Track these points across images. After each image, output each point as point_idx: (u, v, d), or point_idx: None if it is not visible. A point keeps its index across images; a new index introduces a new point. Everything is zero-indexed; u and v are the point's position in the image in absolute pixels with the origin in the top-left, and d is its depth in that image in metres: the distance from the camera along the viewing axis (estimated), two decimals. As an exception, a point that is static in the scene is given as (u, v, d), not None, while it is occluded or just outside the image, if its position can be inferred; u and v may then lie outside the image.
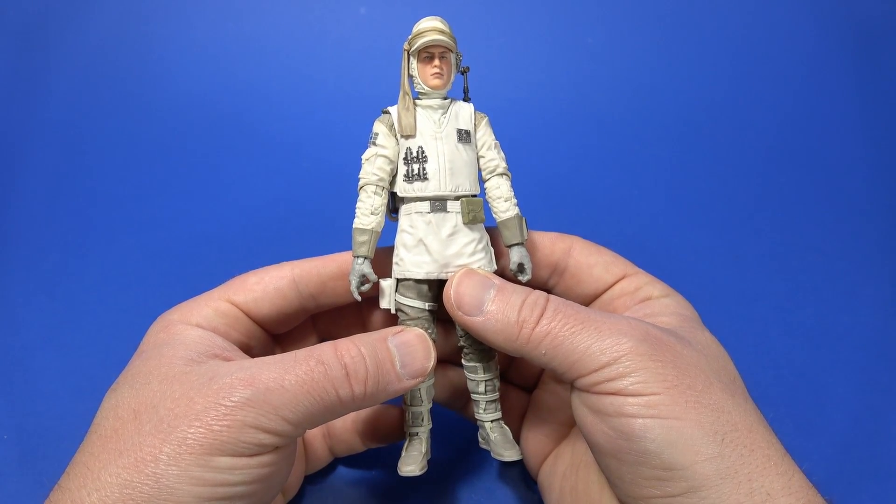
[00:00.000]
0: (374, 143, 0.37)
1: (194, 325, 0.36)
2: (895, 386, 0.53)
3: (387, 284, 0.38)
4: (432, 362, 0.35)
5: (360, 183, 0.37)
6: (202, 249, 0.63)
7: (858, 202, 0.68)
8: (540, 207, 0.68)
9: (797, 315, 0.58)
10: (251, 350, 0.39)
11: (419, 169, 0.36)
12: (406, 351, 0.34)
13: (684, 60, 0.78)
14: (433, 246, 0.36)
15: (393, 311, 0.38)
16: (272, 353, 0.41)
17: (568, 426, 0.42)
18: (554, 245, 0.40)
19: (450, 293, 0.35)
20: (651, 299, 0.38)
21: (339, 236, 0.58)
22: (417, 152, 0.36)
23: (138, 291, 0.59)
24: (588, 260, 0.40)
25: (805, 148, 0.73)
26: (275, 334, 0.42)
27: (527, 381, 0.45)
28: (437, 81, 0.37)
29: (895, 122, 0.74)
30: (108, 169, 0.70)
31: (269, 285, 0.39)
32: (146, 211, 0.67)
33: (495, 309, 0.33)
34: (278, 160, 0.72)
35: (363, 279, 0.37)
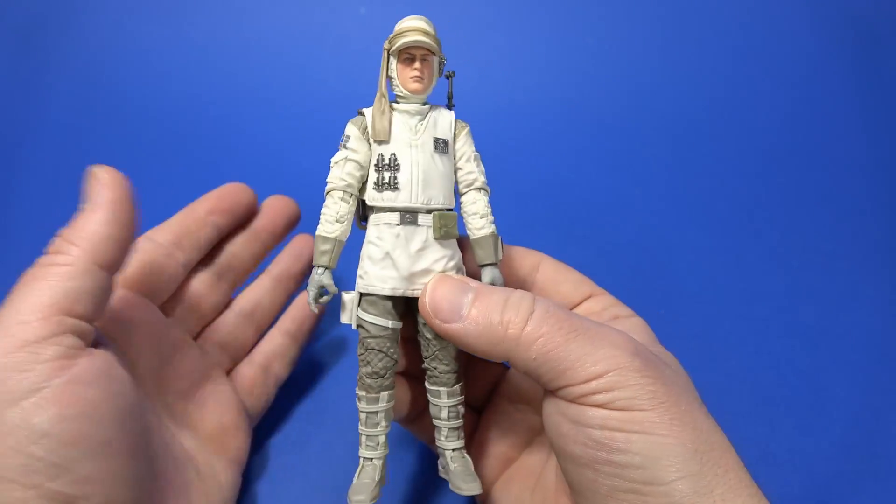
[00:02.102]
0: (345, 146, 0.35)
1: None
2: (895, 386, 0.53)
3: (349, 298, 0.35)
4: None
5: (327, 188, 0.35)
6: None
7: (858, 202, 0.68)
8: (539, 208, 0.69)
9: (797, 315, 0.58)
10: None
11: (390, 178, 0.34)
12: None
13: (684, 60, 0.78)
14: (401, 261, 0.34)
15: (354, 327, 0.36)
16: None
17: (519, 448, 0.41)
18: (523, 259, 0.39)
19: (425, 300, 0.33)
20: (620, 318, 0.38)
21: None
22: (390, 160, 0.34)
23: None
24: (556, 277, 0.39)
25: (805, 148, 0.73)
26: None
27: (476, 402, 0.44)
28: (416, 85, 0.34)
29: (895, 122, 0.74)
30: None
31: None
32: (146, 211, 0.67)
33: (476, 312, 0.32)
34: (278, 160, 0.72)
35: (322, 290, 0.35)
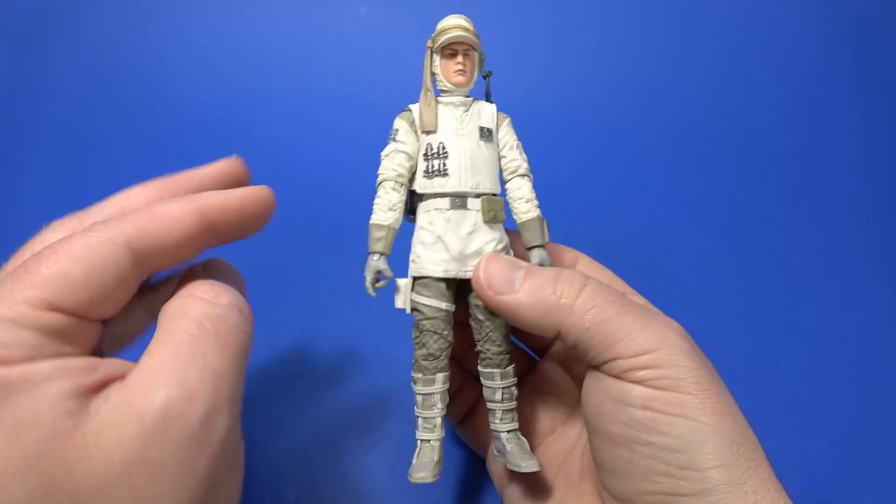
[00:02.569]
0: (395, 139, 0.36)
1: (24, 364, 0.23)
2: (895, 386, 0.53)
3: (403, 283, 0.37)
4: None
5: (379, 179, 0.37)
6: (202, 249, 0.63)
7: (858, 202, 0.68)
8: (540, 208, 0.68)
9: (797, 315, 0.58)
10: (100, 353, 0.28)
11: (440, 165, 0.36)
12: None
13: (684, 60, 0.78)
14: (452, 243, 0.35)
15: (409, 311, 0.37)
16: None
17: (543, 435, 0.41)
18: (562, 255, 0.40)
19: (479, 274, 0.34)
20: None
21: (339, 237, 0.59)
22: (438, 148, 0.36)
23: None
24: (592, 272, 0.40)
25: (805, 148, 0.73)
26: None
27: None
28: (459, 78, 0.36)
29: (895, 122, 0.74)
30: (108, 169, 0.70)
31: (103, 272, 0.26)
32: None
33: (529, 284, 0.33)
34: (278, 160, 0.72)
35: (378, 276, 0.36)
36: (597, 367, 0.32)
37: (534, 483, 0.39)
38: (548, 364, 0.43)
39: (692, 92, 0.76)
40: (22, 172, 0.69)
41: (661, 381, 0.30)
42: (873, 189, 0.69)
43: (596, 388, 0.32)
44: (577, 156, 0.72)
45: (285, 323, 0.57)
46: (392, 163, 0.36)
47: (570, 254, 0.41)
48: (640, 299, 0.39)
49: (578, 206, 0.67)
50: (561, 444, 0.41)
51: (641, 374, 0.30)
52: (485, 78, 0.39)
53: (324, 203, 0.66)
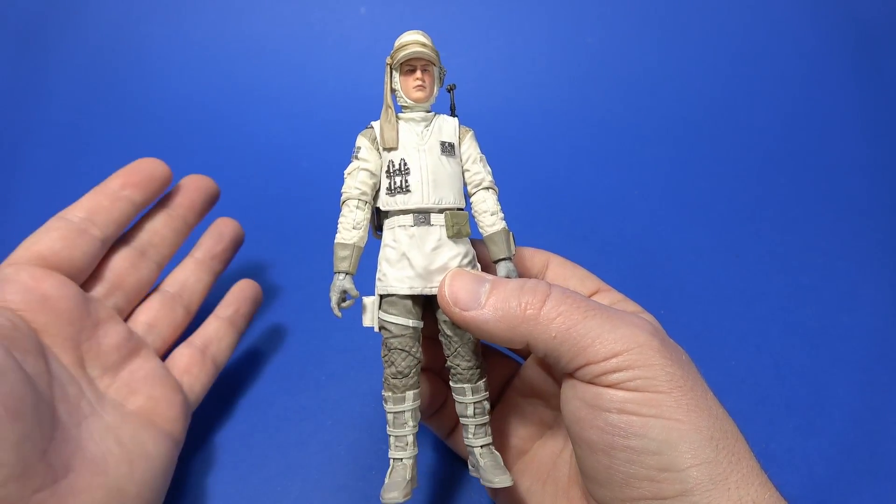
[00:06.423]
0: (357, 157, 0.37)
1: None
2: (895, 386, 0.53)
3: (370, 301, 0.37)
4: None
5: (343, 198, 0.37)
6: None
7: (858, 202, 0.68)
8: (540, 208, 0.69)
9: (797, 315, 0.58)
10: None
11: (401, 181, 0.36)
12: None
13: (684, 60, 0.78)
14: (417, 260, 0.35)
15: (376, 330, 0.37)
16: None
17: (530, 441, 0.41)
18: (532, 258, 0.40)
19: (444, 291, 0.34)
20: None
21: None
22: (400, 164, 0.36)
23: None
24: (564, 272, 0.40)
25: (805, 148, 0.73)
26: None
27: (489, 397, 0.44)
28: (419, 94, 0.36)
29: (895, 122, 0.74)
30: (108, 169, 0.70)
31: (77, 239, 0.41)
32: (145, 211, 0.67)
33: (494, 299, 0.33)
34: (278, 160, 0.72)
35: (344, 295, 0.36)
36: (571, 375, 0.32)
37: (523, 491, 0.39)
38: (531, 368, 0.42)
39: (692, 92, 0.76)
40: (22, 172, 0.69)
41: (634, 383, 0.29)
42: (873, 189, 0.69)
43: (572, 395, 0.32)
44: (577, 156, 0.72)
45: (285, 323, 0.57)
46: (355, 181, 0.36)
47: (540, 256, 0.40)
48: (615, 296, 0.39)
49: (578, 206, 0.67)
50: (549, 450, 0.40)
51: (614, 377, 0.30)
52: (449, 91, 0.39)
53: (323, 203, 0.66)
